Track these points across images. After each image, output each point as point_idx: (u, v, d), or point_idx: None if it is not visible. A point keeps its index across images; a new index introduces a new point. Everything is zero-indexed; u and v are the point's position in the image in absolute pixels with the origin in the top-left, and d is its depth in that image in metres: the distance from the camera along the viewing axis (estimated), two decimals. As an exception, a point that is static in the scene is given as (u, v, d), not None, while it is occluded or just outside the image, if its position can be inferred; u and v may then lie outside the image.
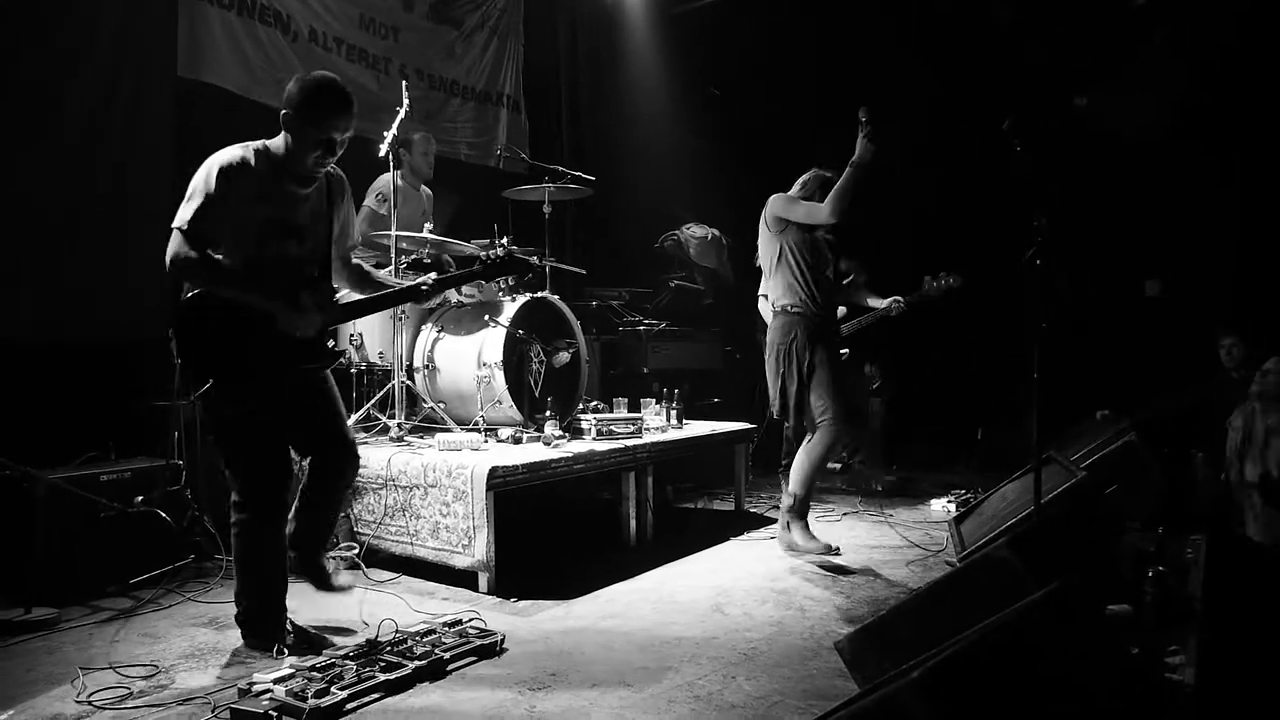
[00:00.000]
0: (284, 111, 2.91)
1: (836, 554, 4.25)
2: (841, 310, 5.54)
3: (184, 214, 2.82)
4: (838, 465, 6.70)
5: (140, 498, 3.78)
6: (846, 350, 5.50)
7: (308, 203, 3.04)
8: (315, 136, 2.90)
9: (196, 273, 2.82)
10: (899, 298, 5.03)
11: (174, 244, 2.80)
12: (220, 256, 2.85)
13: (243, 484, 3.03)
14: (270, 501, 3.03)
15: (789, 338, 4.29)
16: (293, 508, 3.17)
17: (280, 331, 2.94)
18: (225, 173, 2.83)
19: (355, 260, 3.34)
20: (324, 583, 3.22)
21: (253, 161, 2.90)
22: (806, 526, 4.38)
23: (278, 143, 2.96)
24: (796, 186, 4.38)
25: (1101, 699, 1.99)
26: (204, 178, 2.84)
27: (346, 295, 3.36)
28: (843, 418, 4.23)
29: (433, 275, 3.28)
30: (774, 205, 4.35)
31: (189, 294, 2.88)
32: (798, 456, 4.35)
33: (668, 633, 3.31)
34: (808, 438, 4.35)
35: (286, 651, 2.96)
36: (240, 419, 2.97)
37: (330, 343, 3.17)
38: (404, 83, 5.08)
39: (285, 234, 2.97)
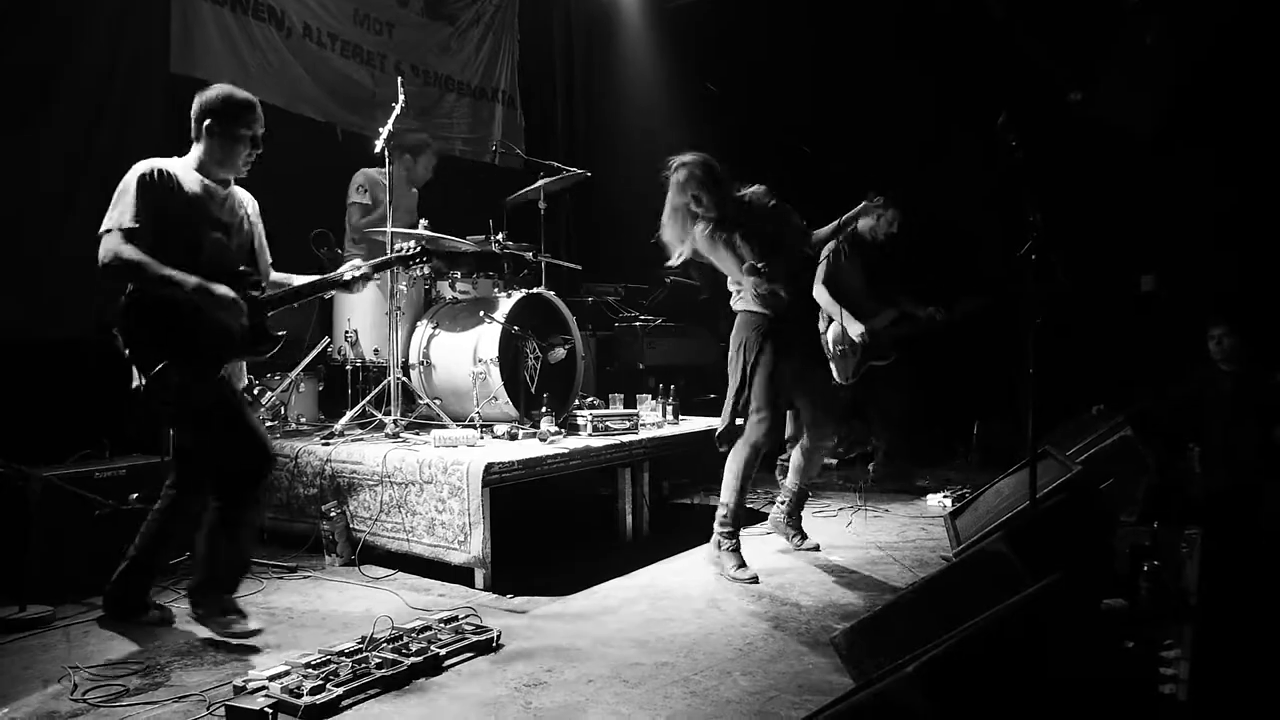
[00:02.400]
0: (207, 122, 3.14)
1: (754, 581, 3.90)
2: (892, 314, 5.62)
3: (112, 217, 2.98)
4: (833, 461, 6.71)
5: (135, 495, 3.77)
6: (893, 354, 5.62)
7: (228, 202, 3.24)
8: (245, 135, 3.16)
9: (129, 271, 2.94)
10: (939, 307, 5.33)
11: (105, 245, 2.94)
12: (148, 257, 2.96)
13: (199, 468, 3.20)
14: (250, 481, 3.18)
15: (742, 338, 4.09)
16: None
17: (217, 320, 3.04)
18: (147, 176, 3.02)
19: (275, 274, 3.49)
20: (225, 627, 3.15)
21: (172, 168, 3.10)
22: (738, 548, 4.05)
23: (194, 152, 3.19)
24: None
25: (1096, 693, 1.99)
26: (127, 183, 3.02)
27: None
28: (766, 428, 4.00)
29: (357, 263, 3.51)
30: (702, 246, 4.11)
31: (129, 291, 3.02)
32: (728, 462, 4.12)
33: (664, 629, 3.31)
34: (794, 440, 4.35)
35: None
36: (201, 401, 3.06)
37: (279, 332, 3.31)
38: (399, 79, 5.07)
39: (212, 227, 3.14)
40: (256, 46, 5.65)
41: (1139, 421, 4.69)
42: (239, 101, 3.16)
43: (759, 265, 3.91)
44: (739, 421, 4.06)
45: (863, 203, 4.38)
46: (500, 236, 5.14)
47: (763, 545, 4.54)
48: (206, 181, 3.16)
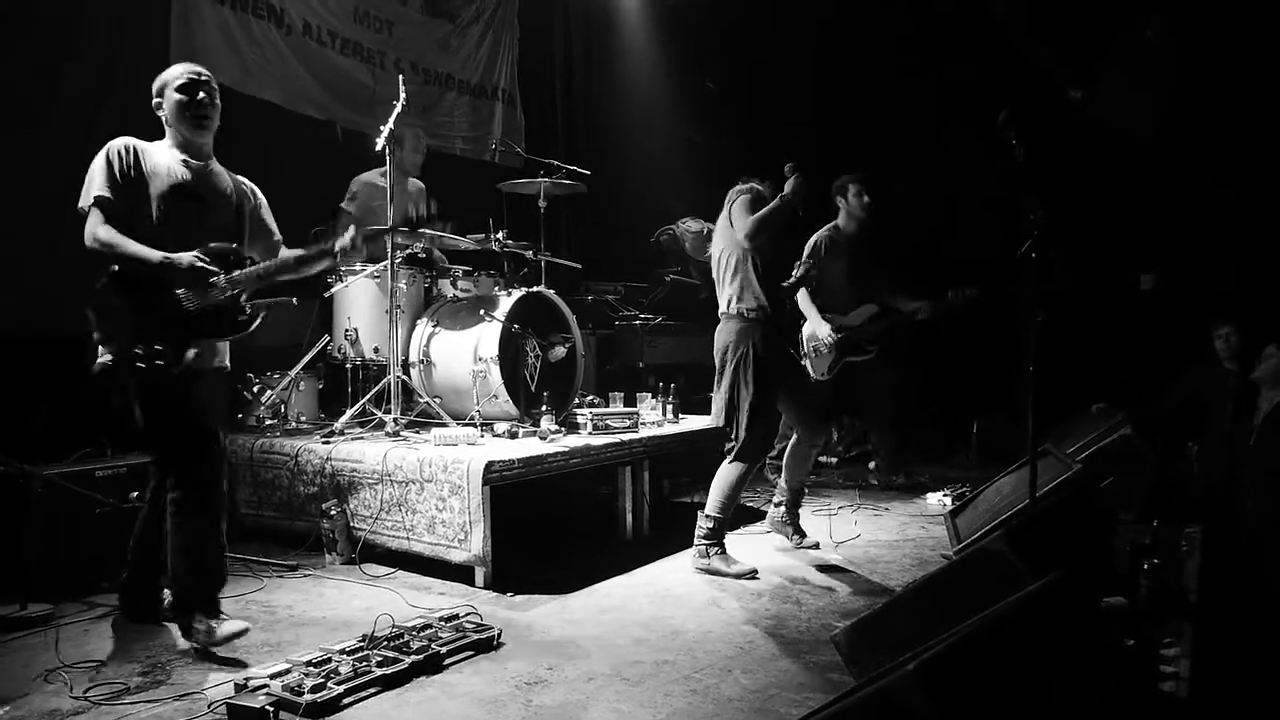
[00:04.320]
0: (154, 101, 3.20)
1: (754, 577, 3.94)
2: (872, 309, 5.57)
3: (86, 193, 3.04)
4: (834, 460, 6.72)
5: (135, 493, 3.76)
6: (874, 348, 5.56)
7: (207, 179, 3.24)
8: (182, 98, 3.16)
9: (107, 250, 2.99)
10: (925, 303, 5.27)
11: (86, 227, 3.01)
12: (121, 235, 3.00)
13: (168, 457, 3.15)
14: (204, 475, 3.10)
15: (743, 344, 4.01)
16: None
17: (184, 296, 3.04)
18: (116, 147, 3.08)
19: (284, 252, 3.45)
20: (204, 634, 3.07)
21: (143, 144, 3.15)
22: (724, 550, 4.07)
23: (165, 139, 3.23)
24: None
25: (1096, 691, 1.99)
26: (97, 158, 3.08)
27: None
28: (759, 451, 4.04)
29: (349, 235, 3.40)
30: (735, 211, 4.09)
31: (104, 277, 3.05)
32: (718, 475, 4.11)
33: (664, 626, 3.31)
34: (783, 437, 4.35)
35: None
36: (161, 385, 3.03)
37: (252, 316, 3.26)
38: (400, 77, 5.07)
39: (181, 197, 3.14)
40: (256, 44, 5.65)
41: (1139, 420, 4.70)
42: (167, 76, 3.20)
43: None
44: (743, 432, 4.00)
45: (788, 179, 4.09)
46: (500, 235, 5.14)
47: (762, 544, 4.55)
48: (182, 157, 3.19)
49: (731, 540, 4.68)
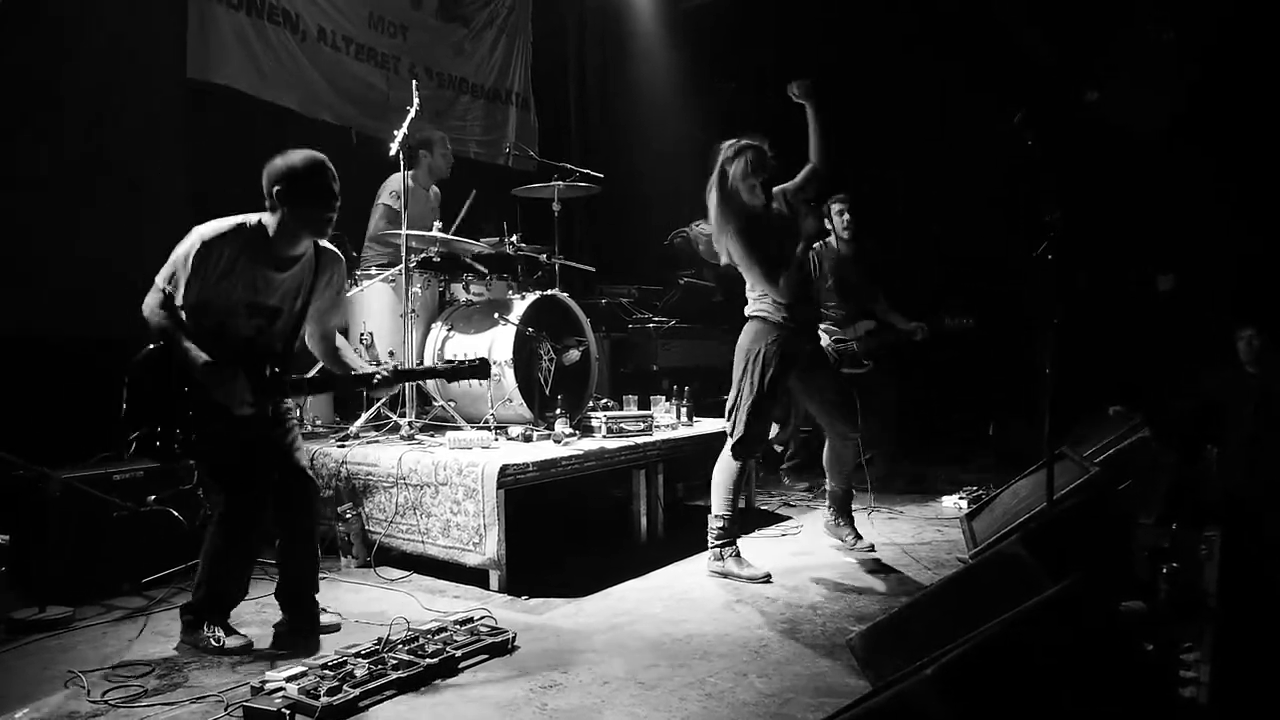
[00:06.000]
0: (276, 188, 2.99)
1: (767, 581, 3.92)
2: (870, 324, 5.58)
3: (163, 273, 2.97)
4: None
5: (153, 497, 3.80)
6: (870, 363, 5.55)
7: (285, 283, 3.13)
8: (318, 206, 3.02)
9: (158, 333, 2.97)
10: (923, 324, 5.36)
11: (148, 299, 2.97)
12: (184, 318, 2.96)
13: (221, 504, 3.12)
14: (244, 521, 3.10)
15: (757, 346, 3.98)
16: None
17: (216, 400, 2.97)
18: (202, 249, 2.94)
19: (338, 339, 3.39)
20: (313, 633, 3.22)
21: (232, 243, 2.98)
22: (738, 552, 4.04)
23: (269, 219, 3.04)
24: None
25: (1115, 696, 1.97)
26: (186, 247, 2.96)
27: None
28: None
29: (391, 366, 3.40)
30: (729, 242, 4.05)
31: (149, 347, 3.01)
32: (714, 475, 4.10)
33: (679, 630, 3.30)
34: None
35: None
36: (217, 435, 3.01)
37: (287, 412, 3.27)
38: (414, 81, 5.09)
39: (252, 313, 3.07)
40: (272, 50, 5.68)
41: (1157, 422, 4.66)
42: (312, 177, 3.01)
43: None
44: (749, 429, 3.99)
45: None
46: (514, 238, 5.14)
47: (778, 547, 4.53)
48: (266, 260, 3.04)
49: (746, 544, 4.68)
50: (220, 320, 3.02)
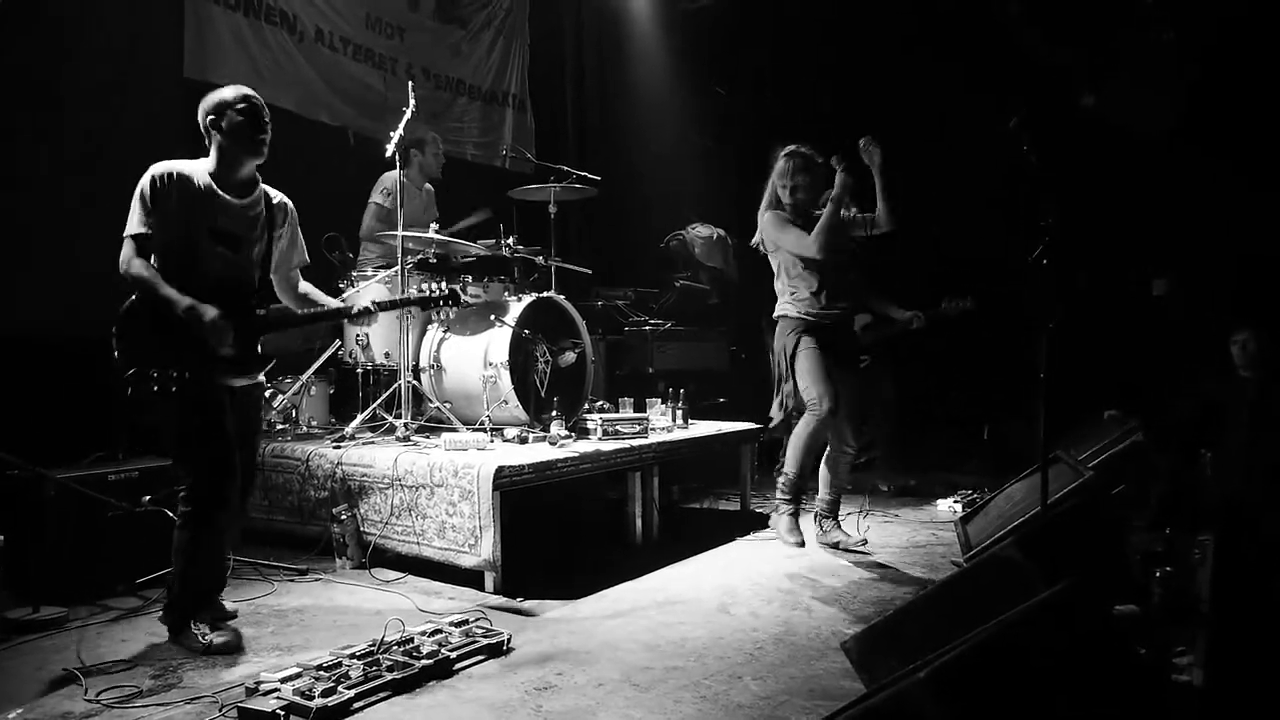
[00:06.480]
0: (209, 118, 3.15)
1: (800, 546, 4.30)
2: (865, 318, 5.59)
3: (129, 223, 3.05)
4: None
5: (148, 497, 3.78)
6: (866, 358, 5.54)
7: (242, 211, 3.22)
8: (243, 120, 3.14)
9: (136, 284, 3.05)
10: (919, 313, 5.29)
11: (122, 253, 3.05)
12: (155, 263, 3.06)
13: (192, 476, 3.16)
14: (215, 496, 3.13)
15: (782, 342, 4.37)
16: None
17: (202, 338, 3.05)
18: (156, 180, 3.06)
19: (303, 284, 3.51)
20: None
21: (183, 171, 3.11)
22: (796, 515, 4.37)
23: (211, 153, 3.19)
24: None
25: (1109, 699, 1.98)
26: (141, 186, 3.07)
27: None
28: (828, 405, 4.17)
29: (370, 300, 3.53)
30: (767, 229, 4.39)
31: (130, 300, 3.08)
32: (792, 436, 4.38)
33: (674, 633, 3.31)
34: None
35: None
36: (188, 406, 3.07)
37: (268, 356, 3.35)
38: (410, 83, 5.10)
39: (216, 240, 3.14)
40: (269, 50, 5.68)
41: (1152, 426, 4.67)
42: (233, 95, 3.16)
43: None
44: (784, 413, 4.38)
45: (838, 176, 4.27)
46: (510, 240, 5.15)
47: (772, 550, 4.53)
48: (218, 188, 3.15)
49: (741, 545, 4.70)
50: (189, 258, 3.08)
